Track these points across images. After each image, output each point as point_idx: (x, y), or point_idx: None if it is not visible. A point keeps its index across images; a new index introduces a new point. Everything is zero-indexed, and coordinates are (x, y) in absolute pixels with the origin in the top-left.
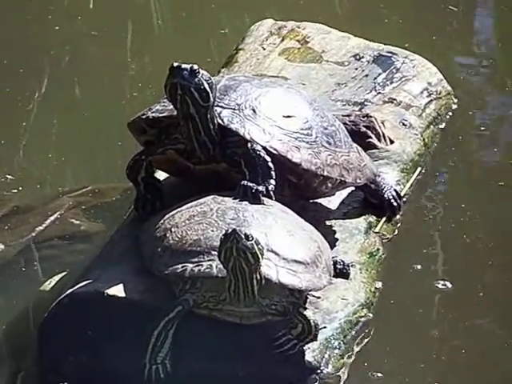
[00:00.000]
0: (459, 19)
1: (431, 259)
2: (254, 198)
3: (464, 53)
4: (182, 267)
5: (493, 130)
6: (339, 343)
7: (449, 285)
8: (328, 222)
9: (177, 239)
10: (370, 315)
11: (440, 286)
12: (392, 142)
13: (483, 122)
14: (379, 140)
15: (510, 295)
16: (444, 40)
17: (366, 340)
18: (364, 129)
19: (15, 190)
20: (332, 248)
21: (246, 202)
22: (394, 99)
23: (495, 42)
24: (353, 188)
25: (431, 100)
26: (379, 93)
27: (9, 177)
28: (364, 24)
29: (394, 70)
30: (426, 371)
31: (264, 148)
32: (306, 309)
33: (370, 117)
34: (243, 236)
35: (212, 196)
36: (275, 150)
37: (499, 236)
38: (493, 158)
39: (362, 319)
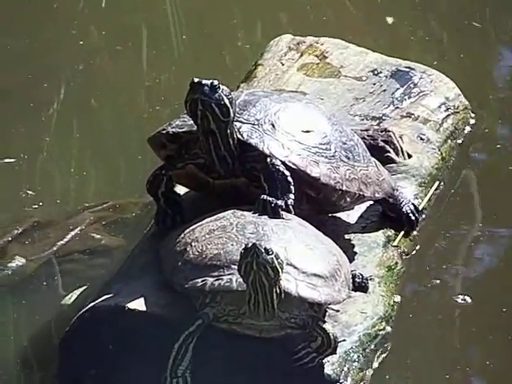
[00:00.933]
0: (478, 35)
1: (450, 274)
2: (274, 213)
3: (481, 67)
4: (202, 281)
5: (510, 144)
6: (358, 356)
7: (468, 300)
8: (347, 236)
9: (197, 253)
10: (389, 329)
11: (460, 300)
12: (410, 156)
13: (501, 136)
14: (397, 154)
15: None
16: (461, 54)
17: (385, 354)
18: (382, 143)
19: (36, 206)
20: (351, 261)
21: (266, 217)
22: (412, 114)
23: None
24: (371, 202)
25: (449, 114)
26: (397, 107)
27: (29, 192)
28: (380, 39)
29: (412, 85)
30: None
31: (283, 163)
32: (325, 322)
33: (388, 131)
34: (263, 250)
35: (232, 210)
36: (294, 164)
37: None
38: (510, 172)
39: (381, 332)
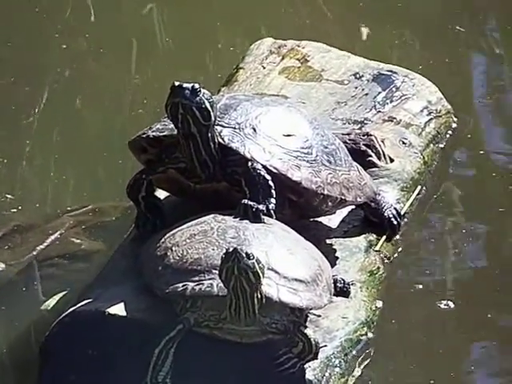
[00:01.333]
0: (463, 39)
1: (433, 279)
2: (255, 217)
3: (464, 71)
4: (183, 286)
5: (492, 149)
6: (340, 362)
7: (451, 305)
8: (328, 241)
9: (177, 258)
10: (371, 334)
11: (442, 306)
12: (392, 160)
13: (483, 140)
14: (379, 158)
15: None
16: (442, 58)
17: (367, 360)
18: (364, 147)
19: (15, 210)
20: (332, 266)
21: (247, 221)
22: (394, 118)
23: (498, 60)
24: (353, 206)
25: (431, 119)
26: (379, 111)
27: (9, 196)
28: (360, 45)
29: (394, 89)
30: None
31: (264, 167)
32: (306, 327)
33: (370, 135)
34: (244, 255)
35: (213, 215)
36: (275, 168)
37: (501, 256)
38: (493, 177)
39: (363, 338)
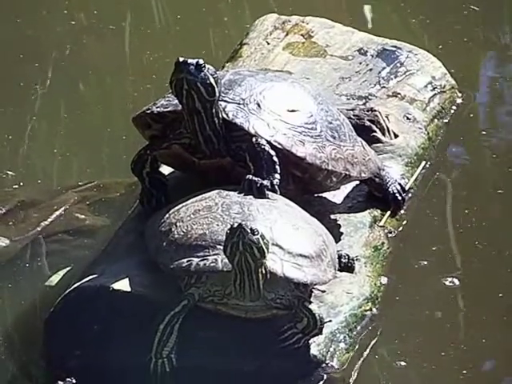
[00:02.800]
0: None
1: (437, 255)
2: (259, 193)
3: (470, 46)
4: (188, 261)
5: (497, 123)
6: (344, 337)
7: (456, 282)
8: (333, 216)
9: (182, 234)
10: (375, 310)
11: (447, 283)
12: (396, 136)
13: (487, 116)
14: (383, 134)
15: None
16: (449, 35)
17: (371, 335)
18: (368, 123)
19: (19, 186)
20: (337, 242)
21: (251, 197)
22: (399, 93)
23: (506, 37)
24: (357, 182)
25: (435, 94)
26: (383, 87)
27: (11, 173)
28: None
29: (398, 64)
30: (432, 369)
31: (269, 142)
32: (311, 303)
33: (375, 111)
34: (249, 230)
35: (217, 190)
36: (280, 144)
37: (507, 231)
38: (497, 151)
39: (368, 313)
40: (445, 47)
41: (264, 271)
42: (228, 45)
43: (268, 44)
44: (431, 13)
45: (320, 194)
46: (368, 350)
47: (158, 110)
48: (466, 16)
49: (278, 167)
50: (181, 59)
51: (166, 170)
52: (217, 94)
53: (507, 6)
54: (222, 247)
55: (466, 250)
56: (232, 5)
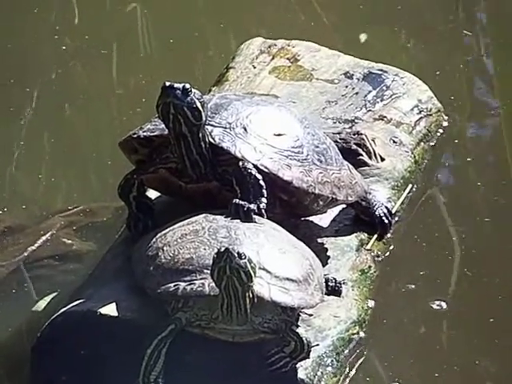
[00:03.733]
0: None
1: (425, 278)
2: (246, 217)
3: (456, 70)
4: (175, 286)
5: (483, 147)
6: (332, 361)
7: (444, 305)
8: (319, 240)
9: (169, 258)
10: (363, 334)
11: (435, 306)
12: (383, 159)
13: (474, 139)
14: (370, 157)
15: (506, 315)
16: (436, 57)
17: (359, 359)
18: (355, 146)
19: (5, 210)
20: (324, 265)
21: (238, 221)
22: (385, 117)
23: (490, 60)
24: (344, 205)
25: (421, 117)
26: (370, 110)
27: None
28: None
29: (385, 88)
30: None
31: (255, 166)
32: (298, 326)
33: (361, 134)
34: (236, 254)
35: (204, 214)
36: (266, 168)
37: (493, 254)
38: (483, 175)
39: (355, 337)
40: (431, 71)
41: (251, 295)
42: (214, 69)
43: (254, 68)
44: (417, 36)
45: (307, 218)
46: (356, 374)
47: (145, 134)
48: (453, 39)
49: (264, 191)
50: (167, 83)
51: (152, 194)
52: (203, 119)
53: (494, 30)
54: (209, 271)
55: (454, 276)
56: (218, 29)
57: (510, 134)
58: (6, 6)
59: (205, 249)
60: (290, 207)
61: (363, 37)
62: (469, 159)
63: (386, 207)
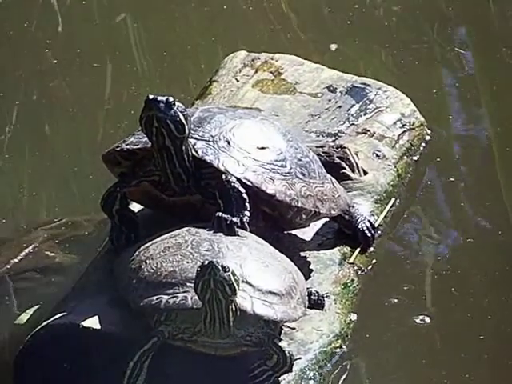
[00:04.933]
0: (438, 54)
1: (408, 292)
2: (229, 230)
3: (440, 84)
4: (157, 299)
5: (467, 161)
6: (314, 374)
7: (427, 320)
8: (302, 253)
9: (152, 271)
10: (345, 347)
11: (418, 320)
12: (366, 172)
13: (457, 152)
14: (353, 171)
15: (489, 331)
16: (419, 71)
17: (341, 373)
18: (338, 160)
19: None
20: (307, 279)
21: (221, 234)
22: (368, 130)
23: (476, 75)
24: (327, 219)
25: (404, 131)
26: (353, 124)
27: None
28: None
29: (368, 101)
30: None
31: (238, 179)
32: (280, 340)
33: (344, 148)
34: (220, 268)
35: (187, 228)
36: (249, 181)
37: (476, 267)
38: (466, 189)
39: (337, 350)
40: (415, 84)
41: (234, 308)
42: (197, 82)
43: (237, 81)
44: (401, 50)
45: (290, 231)
46: None
47: (128, 147)
48: (435, 54)
49: (247, 204)
50: (150, 96)
51: (135, 207)
52: (186, 132)
53: (476, 45)
54: (191, 284)
55: (436, 288)
56: (201, 42)
57: (497, 147)
58: None
59: (188, 262)
60: (273, 220)
61: (333, 46)
62: (452, 173)
63: (369, 221)
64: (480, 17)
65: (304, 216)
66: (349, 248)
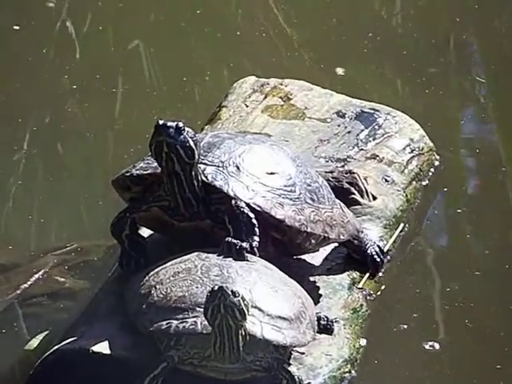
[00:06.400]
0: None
1: (417, 318)
2: (238, 255)
3: (447, 110)
4: (167, 324)
5: (475, 186)
6: None
7: (436, 346)
8: (311, 278)
9: (161, 296)
10: (354, 372)
11: (427, 346)
12: (375, 198)
13: (466, 178)
14: (362, 196)
15: (498, 357)
16: (425, 97)
17: None
18: (347, 185)
19: None
20: (316, 304)
21: (230, 259)
22: (377, 155)
23: (488, 102)
24: (336, 244)
25: (413, 156)
26: (362, 149)
27: None
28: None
29: (377, 127)
30: None
31: (248, 205)
32: (290, 365)
33: (353, 173)
34: (230, 293)
35: (196, 253)
36: (259, 206)
37: (487, 291)
38: (475, 213)
39: (346, 375)
40: (425, 109)
41: (244, 333)
42: (207, 108)
43: (247, 107)
44: (410, 75)
45: (299, 256)
46: None
47: (138, 172)
48: (444, 76)
49: (257, 229)
50: (160, 122)
51: (145, 232)
52: (196, 157)
53: (487, 70)
54: (201, 309)
55: (445, 313)
56: (211, 67)
57: (509, 174)
58: (10, 43)
59: (197, 287)
60: (283, 246)
61: (340, 70)
62: (461, 200)
63: (378, 246)
64: (496, 44)
65: (313, 241)
66: (358, 273)
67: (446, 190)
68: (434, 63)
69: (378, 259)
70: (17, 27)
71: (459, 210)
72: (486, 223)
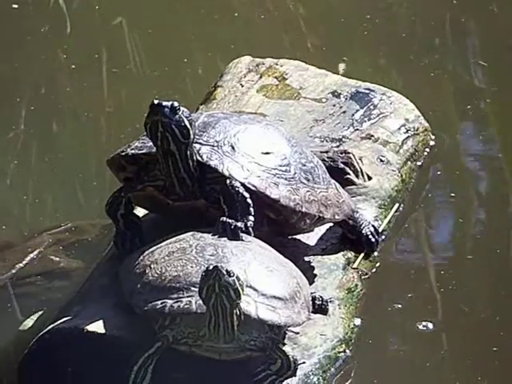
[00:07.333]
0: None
1: (411, 298)
2: (233, 235)
3: (442, 90)
4: (162, 303)
5: (470, 166)
6: (318, 379)
7: (430, 326)
8: (306, 258)
9: (156, 275)
10: (349, 352)
11: (421, 326)
12: (370, 178)
13: (460, 158)
14: (357, 176)
15: (491, 338)
16: (424, 77)
17: (345, 377)
18: (342, 165)
19: None
20: (310, 284)
21: (225, 239)
22: (372, 135)
23: (486, 86)
24: (331, 224)
25: (408, 136)
26: (357, 129)
27: None
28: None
29: (372, 107)
30: None
31: (243, 184)
32: (284, 344)
33: (348, 153)
34: (225, 272)
35: (191, 232)
36: (254, 186)
37: (480, 273)
38: (470, 194)
39: (341, 355)
40: (419, 89)
41: (238, 313)
42: (202, 87)
43: (242, 86)
44: (405, 55)
45: (294, 236)
46: None
47: (133, 152)
48: (441, 58)
49: (252, 209)
50: (155, 101)
51: (140, 211)
52: (191, 137)
53: (482, 52)
54: (196, 289)
55: (439, 294)
56: (206, 47)
57: (504, 151)
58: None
59: (192, 266)
60: (277, 225)
61: (342, 66)
62: (456, 179)
63: (373, 226)
64: (494, 29)
65: (308, 221)
66: (353, 253)
67: (440, 170)
68: (432, 46)
69: (373, 239)
70: (15, 5)
71: (453, 193)
72: (480, 206)
